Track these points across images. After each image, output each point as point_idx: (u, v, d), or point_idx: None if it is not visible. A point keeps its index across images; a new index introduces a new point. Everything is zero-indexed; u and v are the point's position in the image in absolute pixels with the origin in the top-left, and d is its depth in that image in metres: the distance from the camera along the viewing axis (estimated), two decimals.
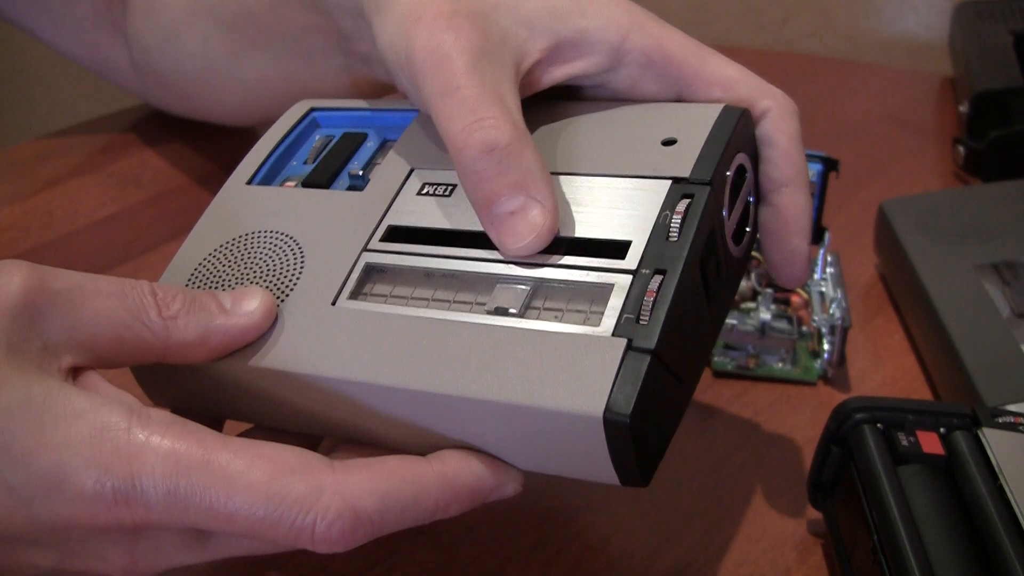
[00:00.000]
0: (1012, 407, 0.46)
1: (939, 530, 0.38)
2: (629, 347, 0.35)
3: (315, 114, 0.49)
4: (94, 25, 0.67)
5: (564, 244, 0.39)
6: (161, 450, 0.33)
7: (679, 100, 0.44)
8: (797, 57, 0.92)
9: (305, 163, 0.47)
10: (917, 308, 0.56)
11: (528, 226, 0.38)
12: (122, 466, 0.33)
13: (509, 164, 0.39)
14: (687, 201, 0.39)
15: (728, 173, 0.41)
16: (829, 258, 0.57)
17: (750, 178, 0.43)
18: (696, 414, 0.51)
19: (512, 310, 0.38)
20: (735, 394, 0.53)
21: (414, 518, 0.36)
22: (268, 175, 0.47)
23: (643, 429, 0.35)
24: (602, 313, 0.37)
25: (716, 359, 0.54)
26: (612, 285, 0.37)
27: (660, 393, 0.36)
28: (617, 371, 0.35)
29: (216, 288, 0.42)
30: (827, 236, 0.55)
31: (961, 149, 0.70)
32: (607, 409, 0.34)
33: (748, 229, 0.43)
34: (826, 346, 0.54)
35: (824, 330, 0.54)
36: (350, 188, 0.45)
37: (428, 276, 0.40)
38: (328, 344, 0.39)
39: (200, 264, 0.43)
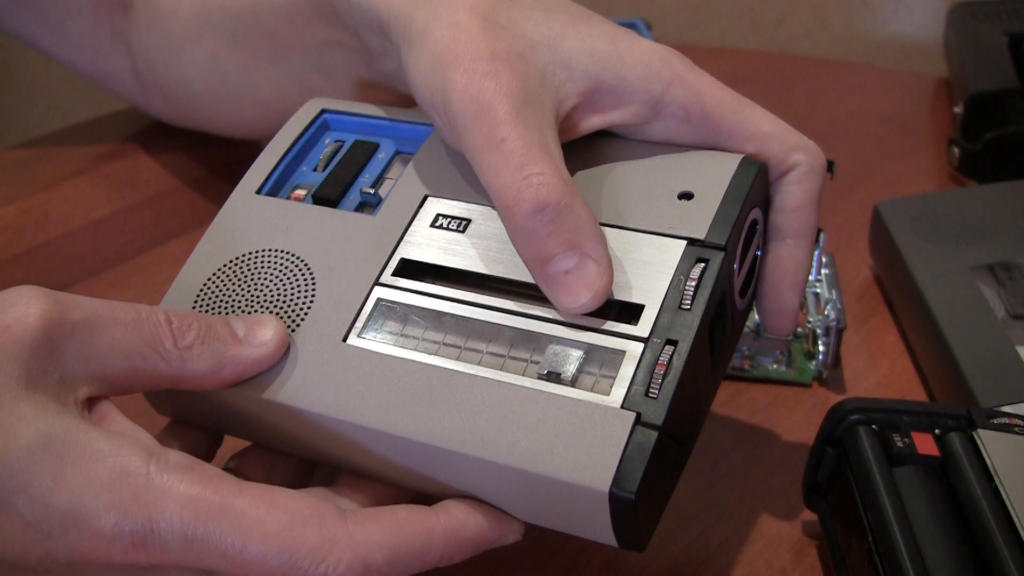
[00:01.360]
0: (1007, 408, 0.46)
1: (934, 532, 0.38)
2: (638, 421, 0.36)
3: (326, 116, 0.49)
4: (94, 34, 0.66)
5: None
6: (180, 496, 0.34)
7: (710, 147, 0.43)
8: (792, 58, 0.93)
9: (315, 170, 0.47)
10: (912, 309, 0.56)
11: (584, 285, 0.38)
12: (141, 511, 0.33)
13: (561, 222, 0.38)
14: (701, 267, 0.39)
15: (742, 232, 0.41)
16: (824, 259, 0.57)
17: (760, 230, 0.43)
18: None
19: (522, 367, 0.38)
20: (730, 395, 0.53)
21: (420, 567, 0.36)
22: (278, 182, 0.46)
23: (646, 502, 0.35)
24: (612, 381, 0.37)
25: None
26: (624, 352, 0.37)
27: (664, 463, 0.36)
28: (625, 446, 0.35)
29: (225, 309, 0.42)
30: (822, 237, 0.55)
31: (956, 150, 0.71)
32: (613, 484, 0.35)
33: (754, 280, 0.43)
34: (821, 347, 0.54)
35: (819, 331, 0.54)
36: (362, 204, 0.44)
37: (439, 318, 0.40)
38: (338, 384, 0.39)
39: (208, 280, 0.43)
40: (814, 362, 0.54)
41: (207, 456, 0.42)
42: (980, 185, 0.68)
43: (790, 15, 1.01)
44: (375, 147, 0.47)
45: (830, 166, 0.57)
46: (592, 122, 0.43)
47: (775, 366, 0.54)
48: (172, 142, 0.72)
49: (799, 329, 0.55)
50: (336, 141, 0.48)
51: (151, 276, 0.61)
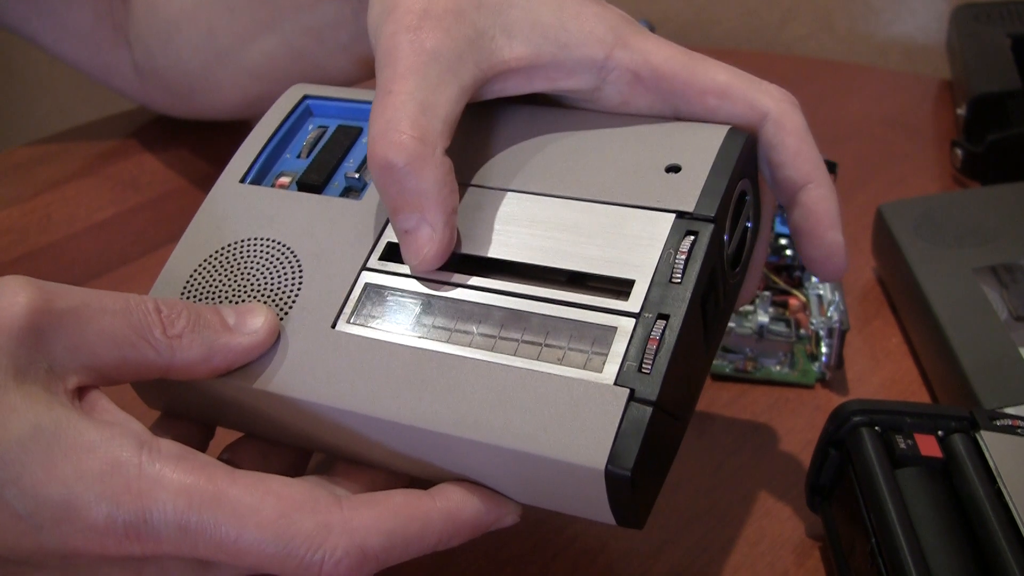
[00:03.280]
0: (1010, 410, 0.46)
1: (937, 533, 0.38)
2: (631, 397, 0.36)
3: (308, 102, 0.48)
4: (95, 28, 0.67)
5: (568, 277, 0.39)
6: (173, 486, 0.34)
7: (675, 112, 0.43)
8: (795, 60, 0.93)
9: (299, 157, 0.46)
10: (915, 311, 0.56)
11: (416, 247, 0.39)
12: (134, 501, 0.33)
13: (405, 184, 0.39)
14: (691, 239, 0.39)
15: (731, 203, 0.40)
16: None
17: (750, 201, 0.43)
18: (694, 417, 0.51)
19: (513, 347, 0.38)
20: (733, 397, 0.53)
21: (418, 551, 0.36)
22: (262, 170, 0.46)
23: (643, 479, 0.35)
24: (604, 357, 0.37)
25: (714, 362, 0.54)
26: (615, 328, 0.37)
27: (659, 440, 0.36)
28: (619, 423, 0.35)
29: (213, 299, 0.42)
30: None
31: (959, 152, 0.71)
32: (609, 462, 0.35)
33: (745, 252, 0.43)
34: (824, 349, 0.54)
35: (822, 333, 0.54)
36: (347, 189, 0.44)
37: (428, 301, 0.40)
38: (328, 371, 0.39)
39: (195, 271, 0.43)
40: (817, 364, 0.54)
41: (199, 449, 0.42)
42: (983, 187, 0.68)
43: (793, 17, 1.00)
44: (359, 132, 0.46)
45: (833, 168, 0.57)
46: (536, 85, 0.43)
47: (778, 368, 0.54)
48: (174, 144, 0.72)
49: (801, 331, 0.55)
50: (319, 127, 0.47)
51: (154, 278, 0.61)
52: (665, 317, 0.37)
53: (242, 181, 0.45)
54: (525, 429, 0.36)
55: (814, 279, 0.57)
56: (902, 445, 0.41)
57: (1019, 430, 0.41)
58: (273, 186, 0.45)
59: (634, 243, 0.39)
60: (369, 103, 0.46)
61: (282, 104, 0.48)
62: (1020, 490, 0.38)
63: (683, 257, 0.38)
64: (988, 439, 0.41)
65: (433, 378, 0.38)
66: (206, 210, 0.45)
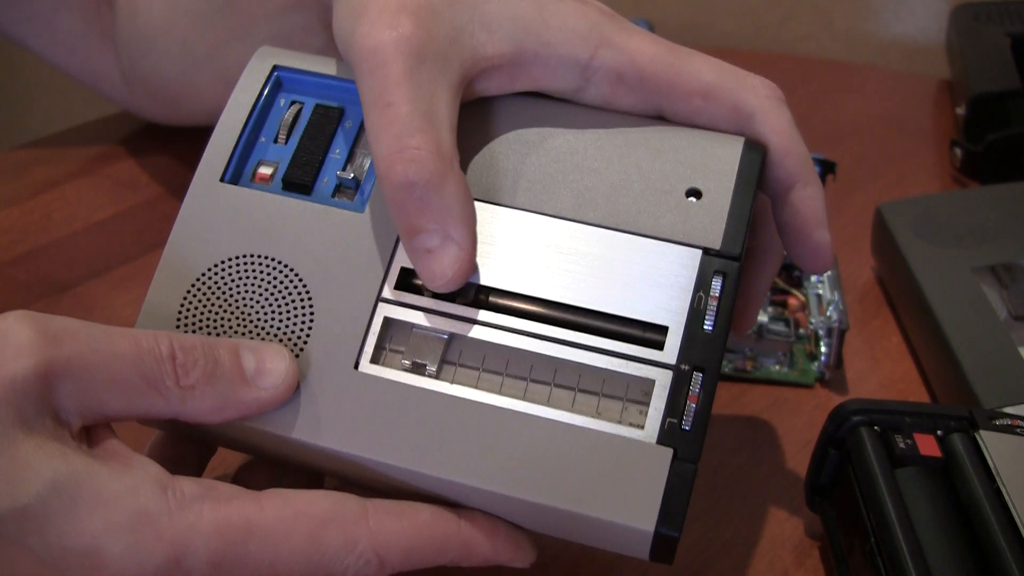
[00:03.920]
0: (1009, 409, 0.46)
1: (936, 533, 0.38)
2: (675, 457, 0.36)
3: (279, 72, 0.44)
4: (83, 34, 0.66)
5: (599, 318, 0.38)
6: (204, 528, 0.33)
7: (658, 111, 0.42)
8: (795, 59, 0.92)
9: (276, 141, 0.43)
10: (914, 311, 0.56)
11: (442, 267, 0.38)
12: (166, 549, 0.33)
13: (428, 201, 0.37)
14: (720, 281, 0.38)
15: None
16: None
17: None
18: None
19: (546, 394, 0.38)
20: (732, 396, 0.53)
21: (428, 566, 0.37)
22: (240, 161, 0.42)
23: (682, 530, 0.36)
24: (643, 410, 0.37)
25: None
26: (653, 381, 0.37)
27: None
28: (666, 485, 0.35)
29: (214, 330, 0.39)
30: None
31: (958, 151, 0.71)
32: (659, 524, 0.35)
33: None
34: (823, 348, 0.54)
35: (821, 332, 0.54)
36: (337, 188, 0.41)
37: (452, 340, 0.39)
38: (356, 419, 0.37)
39: (189, 293, 0.39)
40: (816, 363, 0.54)
41: (202, 462, 0.42)
42: (982, 186, 0.68)
43: (792, 16, 1.00)
44: (340, 113, 0.43)
45: (833, 168, 0.57)
46: (518, 84, 0.42)
47: (777, 367, 0.54)
48: (174, 143, 0.72)
49: (801, 330, 0.55)
50: (293, 102, 0.43)
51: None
52: (701, 370, 0.37)
53: (222, 179, 0.42)
54: (568, 488, 0.36)
55: (813, 278, 0.57)
56: (901, 445, 0.41)
57: (1018, 430, 0.41)
58: (253, 179, 0.42)
59: (661, 281, 0.38)
60: (344, 80, 0.43)
61: (252, 79, 0.44)
62: (1019, 490, 0.38)
63: (715, 303, 0.38)
64: (987, 439, 0.41)
65: (468, 430, 0.37)
66: (187, 217, 0.41)
